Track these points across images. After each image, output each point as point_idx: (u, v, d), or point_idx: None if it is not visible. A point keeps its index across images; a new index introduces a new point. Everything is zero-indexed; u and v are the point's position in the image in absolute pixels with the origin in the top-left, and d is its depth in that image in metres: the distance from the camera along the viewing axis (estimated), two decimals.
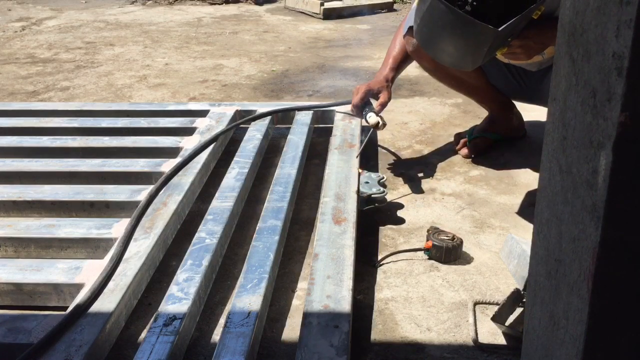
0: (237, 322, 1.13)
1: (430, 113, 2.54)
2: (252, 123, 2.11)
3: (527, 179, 1.93)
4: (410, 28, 1.93)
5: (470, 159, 2.07)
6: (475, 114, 2.47)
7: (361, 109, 1.96)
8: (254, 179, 1.86)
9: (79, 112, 2.25)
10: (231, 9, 5.29)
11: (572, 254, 0.69)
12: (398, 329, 1.27)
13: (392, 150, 2.15)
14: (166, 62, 3.49)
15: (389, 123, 2.27)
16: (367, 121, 1.90)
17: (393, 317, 1.31)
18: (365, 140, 1.88)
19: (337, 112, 2.19)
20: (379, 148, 2.16)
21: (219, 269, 1.44)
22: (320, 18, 4.70)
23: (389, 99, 1.96)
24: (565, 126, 0.70)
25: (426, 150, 2.16)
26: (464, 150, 2.09)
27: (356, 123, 2.08)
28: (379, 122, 1.86)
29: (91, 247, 1.44)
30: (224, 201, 1.59)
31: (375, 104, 1.96)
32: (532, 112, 2.25)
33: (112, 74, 3.25)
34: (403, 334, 1.26)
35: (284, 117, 2.21)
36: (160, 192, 1.61)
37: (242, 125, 2.11)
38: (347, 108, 2.17)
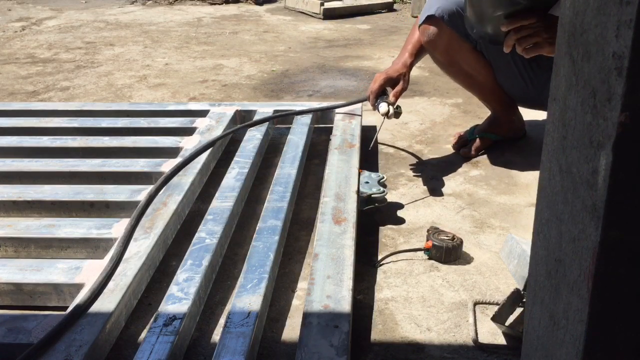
0: (237, 322, 1.13)
1: (430, 113, 2.54)
2: None
3: (527, 179, 1.93)
4: (427, 17, 1.93)
5: (470, 159, 2.07)
6: (475, 114, 2.47)
7: (376, 97, 1.95)
8: (254, 179, 1.86)
9: (79, 112, 2.26)
10: (231, 9, 5.29)
11: (572, 254, 0.69)
12: (398, 329, 1.27)
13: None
14: (166, 62, 3.49)
15: (390, 123, 2.27)
16: (378, 110, 1.90)
17: (393, 317, 1.31)
18: (377, 133, 1.90)
19: (337, 112, 2.19)
20: (378, 149, 2.16)
21: (219, 269, 1.44)
22: (320, 18, 4.70)
23: (405, 87, 1.94)
24: (565, 126, 0.70)
25: (426, 150, 2.16)
26: (465, 150, 2.09)
27: (356, 123, 2.08)
28: (388, 111, 1.86)
29: (91, 247, 1.44)
30: (224, 201, 1.59)
31: (391, 93, 1.95)
32: (532, 112, 2.24)
33: (112, 74, 3.25)
34: (403, 334, 1.26)
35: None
36: (160, 192, 1.61)
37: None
38: (355, 107, 2.17)
